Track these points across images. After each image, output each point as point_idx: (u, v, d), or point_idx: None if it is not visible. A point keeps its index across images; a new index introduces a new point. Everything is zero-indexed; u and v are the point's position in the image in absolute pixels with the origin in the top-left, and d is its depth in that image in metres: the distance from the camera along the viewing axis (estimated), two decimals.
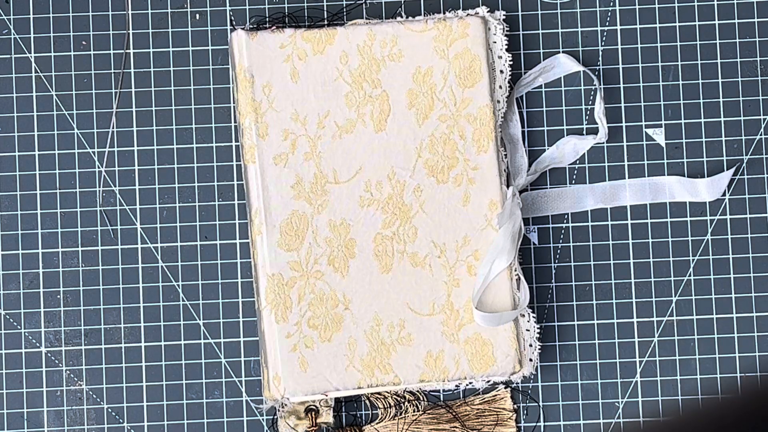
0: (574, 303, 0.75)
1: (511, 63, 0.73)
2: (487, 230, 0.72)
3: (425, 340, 0.71)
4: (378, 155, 0.72)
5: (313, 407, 0.72)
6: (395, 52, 0.72)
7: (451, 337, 0.71)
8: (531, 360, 0.72)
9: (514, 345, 0.72)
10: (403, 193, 0.71)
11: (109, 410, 0.75)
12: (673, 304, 0.75)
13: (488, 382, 0.73)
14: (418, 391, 0.73)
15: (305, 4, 0.76)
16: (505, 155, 0.73)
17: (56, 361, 0.75)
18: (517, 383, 0.74)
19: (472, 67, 0.72)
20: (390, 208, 0.71)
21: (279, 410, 0.72)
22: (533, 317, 0.73)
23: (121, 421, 0.75)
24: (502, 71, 0.73)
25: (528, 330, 0.72)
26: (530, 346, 0.72)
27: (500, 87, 0.73)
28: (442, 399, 0.74)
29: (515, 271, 0.72)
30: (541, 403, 0.75)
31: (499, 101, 0.73)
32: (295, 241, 0.71)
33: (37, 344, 0.75)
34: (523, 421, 0.75)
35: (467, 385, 0.72)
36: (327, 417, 0.73)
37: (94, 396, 0.75)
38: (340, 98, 0.72)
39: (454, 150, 0.72)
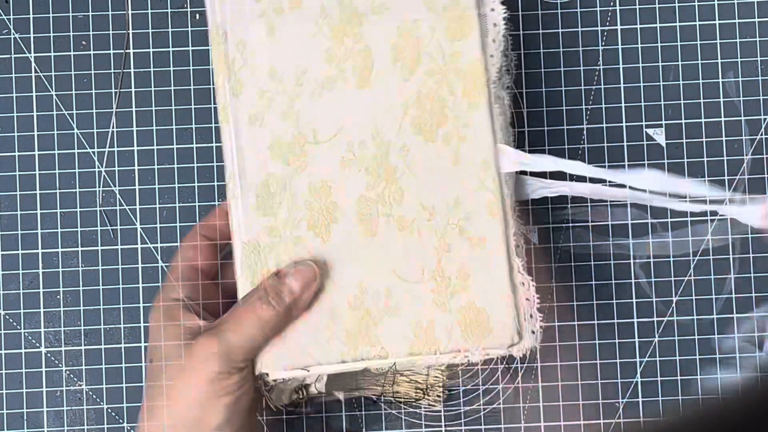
0: (574, 303, 0.75)
1: (505, 16, 0.68)
2: (480, 191, 0.67)
3: (414, 309, 0.67)
4: (361, 113, 0.68)
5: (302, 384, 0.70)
6: (378, 4, 0.68)
7: (442, 305, 0.67)
8: (533, 332, 0.67)
9: (511, 313, 0.66)
10: (389, 153, 0.68)
11: (109, 410, 0.75)
12: (674, 304, 0.75)
13: (486, 355, 0.67)
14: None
15: None
16: (501, 113, 0.69)
17: (56, 362, 0.75)
18: (517, 361, 0.74)
19: (463, 18, 0.68)
20: (374, 169, 0.67)
21: (264, 392, 0.68)
22: (533, 286, 0.67)
23: (121, 421, 0.75)
24: (495, 24, 0.68)
25: (528, 300, 0.67)
26: (531, 317, 0.67)
27: (493, 41, 0.68)
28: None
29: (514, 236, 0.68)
30: (541, 404, 0.75)
31: (492, 55, 0.68)
32: (272, 205, 0.67)
33: (37, 344, 0.75)
34: (523, 422, 0.75)
35: (463, 359, 0.67)
36: (319, 388, 0.70)
37: (94, 396, 0.75)
38: (320, 54, 0.68)
39: (443, 107, 0.68)
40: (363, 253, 0.67)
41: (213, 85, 0.74)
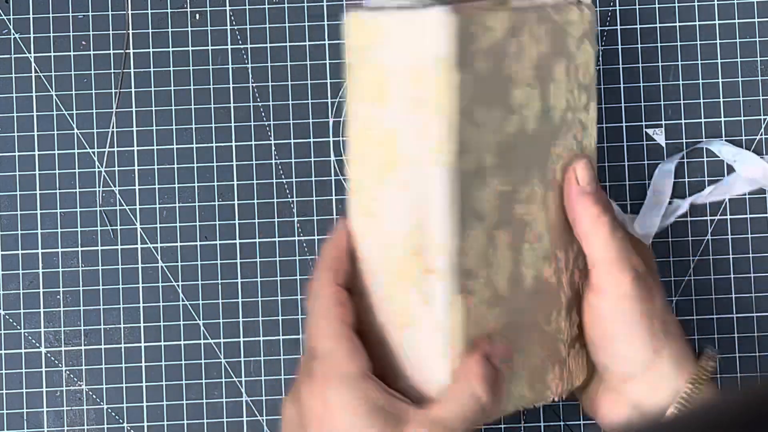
0: None
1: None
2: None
3: (552, 357, 0.66)
4: (537, 150, 0.64)
5: None
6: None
7: (566, 348, 0.66)
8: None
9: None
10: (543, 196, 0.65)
11: (109, 410, 0.75)
12: (674, 304, 0.75)
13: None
14: None
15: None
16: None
17: (56, 362, 0.75)
18: None
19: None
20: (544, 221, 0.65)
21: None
22: None
23: (121, 421, 0.75)
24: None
25: None
26: None
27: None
28: None
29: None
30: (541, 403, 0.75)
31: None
32: (475, 258, 0.61)
33: (37, 344, 0.75)
34: (523, 422, 0.75)
35: (564, 395, 0.67)
36: None
37: (94, 396, 0.75)
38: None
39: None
40: (524, 301, 0.64)
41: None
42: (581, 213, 0.64)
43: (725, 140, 0.76)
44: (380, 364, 0.61)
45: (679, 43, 0.76)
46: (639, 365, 0.64)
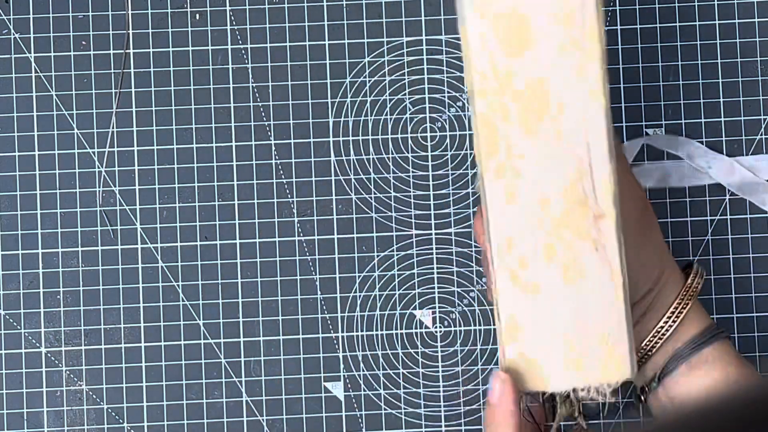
0: None
1: None
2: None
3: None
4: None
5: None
6: None
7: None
8: None
9: None
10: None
11: (109, 410, 0.75)
12: None
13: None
14: None
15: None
16: None
17: (56, 362, 0.75)
18: None
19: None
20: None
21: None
22: None
23: (121, 421, 0.75)
24: None
25: None
26: None
27: None
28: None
29: None
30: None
31: None
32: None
33: (37, 344, 0.75)
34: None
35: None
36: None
37: (94, 396, 0.75)
38: None
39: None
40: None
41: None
42: None
43: (699, 141, 0.76)
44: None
45: (679, 43, 0.76)
46: (643, 292, 0.65)
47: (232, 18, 0.76)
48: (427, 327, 0.76)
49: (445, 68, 0.77)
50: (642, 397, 0.68)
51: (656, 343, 0.65)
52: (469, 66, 0.59)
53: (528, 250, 0.60)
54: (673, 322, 0.65)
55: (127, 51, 0.76)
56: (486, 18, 0.58)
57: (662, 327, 0.65)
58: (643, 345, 0.65)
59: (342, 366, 0.75)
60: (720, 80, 0.76)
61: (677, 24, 0.76)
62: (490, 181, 0.59)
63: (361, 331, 0.75)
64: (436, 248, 0.76)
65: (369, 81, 0.76)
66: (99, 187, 0.76)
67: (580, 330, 0.60)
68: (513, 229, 0.60)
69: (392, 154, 0.76)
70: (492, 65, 0.59)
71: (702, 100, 0.76)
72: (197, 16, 0.76)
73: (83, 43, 0.76)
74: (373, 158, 0.76)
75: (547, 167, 0.59)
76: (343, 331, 0.75)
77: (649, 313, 0.65)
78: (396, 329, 0.75)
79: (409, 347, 0.76)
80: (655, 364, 0.66)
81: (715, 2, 0.76)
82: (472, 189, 0.76)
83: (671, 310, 0.65)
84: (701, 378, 0.65)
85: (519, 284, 0.60)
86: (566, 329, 0.60)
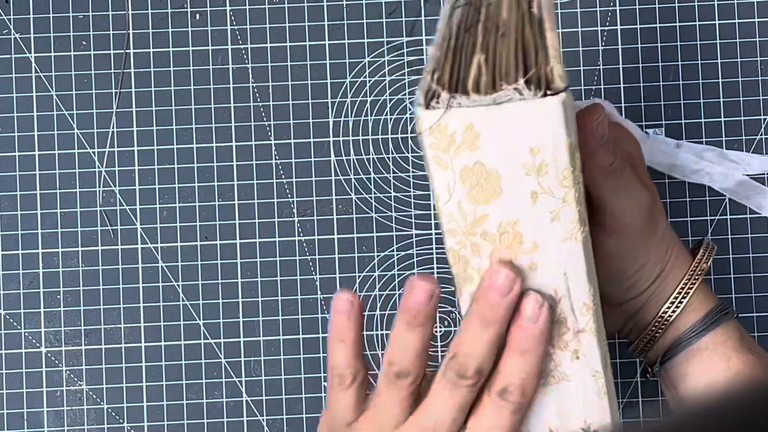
0: None
1: None
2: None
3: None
4: None
5: None
6: None
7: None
8: None
9: None
10: None
11: (109, 410, 0.75)
12: None
13: None
14: None
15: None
16: None
17: (56, 362, 0.75)
18: None
19: None
20: None
21: None
22: None
23: (121, 421, 0.75)
24: None
25: None
26: None
27: None
28: None
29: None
30: None
31: None
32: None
33: (37, 344, 0.75)
34: None
35: None
36: None
37: (94, 396, 0.75)
38: None
39: None
40: None
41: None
42: (595, 165, 0.63)
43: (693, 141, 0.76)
44: None
45: (679, 43, 0.76)
46: (643, 290, 0.65)
47: (232, 18, 0.76)
48: None
49: None
50: (647, 376, 0.68)
51: (662, 326, 0.65)
52: (436, 203, 0.57)
53: None
54: (678, 305, 0.65)
55: (127, 51, 0.76)
56: (450, 171, 0.56)
57: (667, 309, 0.65)
58: (650, 329, 0.65)
59: None
60: (720, 80, 0.76)
61: (677, 24, 0.76)
62: (466, 303, 0.58)
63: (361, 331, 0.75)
64: (436, 248, 0.76)
65: (369, 81, 0.76)
66: (99, 187, 0.76)
67: (564, 420, 0.61)
68: None
69: (392, 154, 0.76)
70: (460, 210, 0.57)
71: (702, 100, 0.76)
72: (197, 16, 0.76)
73: (83, 43, 0.76)
74: (373, 158, 0.76)
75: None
76: None
77: (657, 297, 0.65)
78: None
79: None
80: (660, 346, 0.66)
81: (715, 2, 0.76)
82: None
83: (675, 293, 0.65)
84: (702, 364, 0.65)
85: None
86: (550, 418, 0.61)
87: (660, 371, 0.67)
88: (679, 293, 0.65)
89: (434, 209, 0.58)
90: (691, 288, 0.65)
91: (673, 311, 0.65)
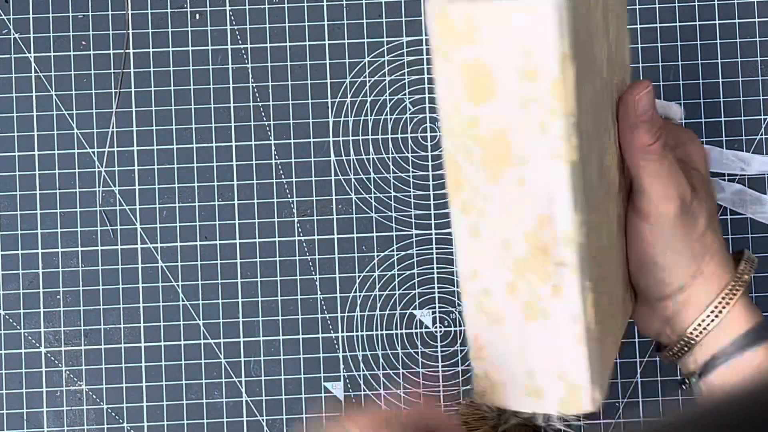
0: None
1: None
2: None
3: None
4: (610, 96, 0.61)
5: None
6: None
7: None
8: None
9: None
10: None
11: (109, 410, 0.75)
12: None
13: None
14: None
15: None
16: None
17: (56, 362, 0.75)
18: None
19: None
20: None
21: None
22: None
23: (120, 421, 0.75)
24: None
25: None
26: None
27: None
28: None
29: None
30: None
31: None
32: (596, 242, 0.60)
33: (37, 344, 0.75)
34: None
35: None
36: None
37: (94, 396, 0.75)
38: None
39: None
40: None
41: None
42: (633, 143, 0.63)
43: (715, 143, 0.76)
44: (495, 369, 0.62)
45: (679, 43, 0.76)
46: (675, 288, 0.64)
47: (232, 18, 0.76)
48: (427, 327, 0.76)
49: None
50: (683, 387, 0.67)
51: (697, 336, 0.64)
52: (438, 102, 0.59)
53: (491, 284, 0.60)
54: (716, 316, 0.63)
55: (127, 51, 0.76)
56: (451, 63, 0.57)
57: (703, 321, 0.63)
58: (686, 335, 0.64)
59: (342, 366, 0.75)
60: (720, 80, 0.76)
61: (677, 24, 0.76)
62: (456, 215, 0.59)
63: (361, 331, 0.75)
64: (436, 248, 0.76)
65: (369, 81, 0.76)
66: (99, 187, 0.76)
67: (541, 363, 0.60)
68: (477, 262, 0.60)
69: (392, 154, 0.76)
70: (456, 109, 0.57)
71: (702, 100, 0.76)
72: (197, 16, 0.76)
73: (83, 43, 0.76)
74: (373, 158, 0.76)
75: (509, 211, 0.58)
76: (343, 331, 0.75)
77: (693, 303, 0.64)
78: (396, 329, 0.75)
79: (409, 347, 0.76)
80: (697, 357, 0.64)
81: (715, 2, 0.76)
82: None
83: (716, 303, 0.64)
84: (743, 380, 0.63)
85: (483, 311, 0.60)
86: (527, 360, 0.60)
87: (697, 384, 0.65)
88: (720, 303, 0.64)
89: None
90: (731, 299, 0.63)
91: (712, 320, 0.63)
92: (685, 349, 0.64)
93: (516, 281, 0.60)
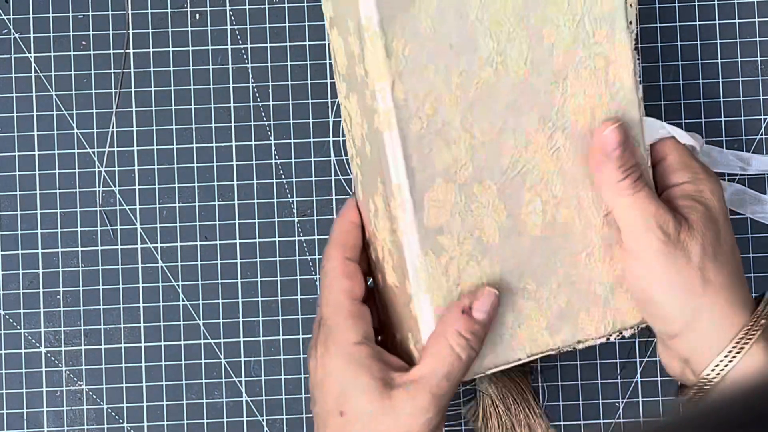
0: None
1: None
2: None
3: (583, 300, 0.65)
4: (523, 102, 0.63)
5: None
6: None
7: (607, 288, 0.65)
8: None
9: None
10: (549, 141, 0.63)
11: (109, 410, 0.75)
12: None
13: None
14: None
15: None
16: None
17: (56, 362, 0.75)
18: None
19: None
20: (538, 163, 0.63)
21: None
22: None
23: (120, 421, 0.75)
24: (631, 5, 0.65)
25: None
26: None
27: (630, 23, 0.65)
28: None
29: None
30: (541, 403, 0.75)
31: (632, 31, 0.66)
32: (443, 215, 0.62)
33: (37, 344, 0.75)
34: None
35: (617, 335, 0.66)
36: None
37: (94, 396, 0.75)
38: (480, 42, 0.62)
39: (597, 86, 0.64)
40: (529, 252, 0.64)
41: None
42: (602, 179, 0.63)
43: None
44: (401, 331, 0.65)
45: (679, 43, 0.76)
46: (679, 325, 0.63)
47: (232, 18, 0.76)
48: None
49: None
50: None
51: (714, 378, 0.62)
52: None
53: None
54: (730, 360, 0.62)
55: (127, 51, 0.76)
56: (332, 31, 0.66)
57: (719, 364, 0.62)
58: (702, 377, 0.62)
59: None
60: (720, 80, 0.76)
61: (677, 24, 0.76)
62: (357, 188, 0.69)
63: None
64: None
65: None
66: (99, 187, 0.76)
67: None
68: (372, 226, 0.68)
69: None
70: (339, 83, 0.67)
71: (702, 100, 0.76)
72: (197, 16, 0.76)
73: (83, 43, 0.76)
74: None
75: (371, 179, 0.65)
76: None
77: (703, 347, 0.62)
78: None
79: None
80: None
81: (715, 2, 0.76)
82: None
83: (729, 348, 0.62)
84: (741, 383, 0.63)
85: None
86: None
87: None
88: (734, 346, 0.62)
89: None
90: (747, 342, 0.62)
91: (726, 365, 0.62)
92: (704, 390, 0.63)
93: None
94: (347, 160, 0.76)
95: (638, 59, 0.66)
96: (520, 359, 0.64)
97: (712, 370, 0.62)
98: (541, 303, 0.64)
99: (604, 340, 0.66)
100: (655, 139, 0.66)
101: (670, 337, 0.64)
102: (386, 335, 0.68)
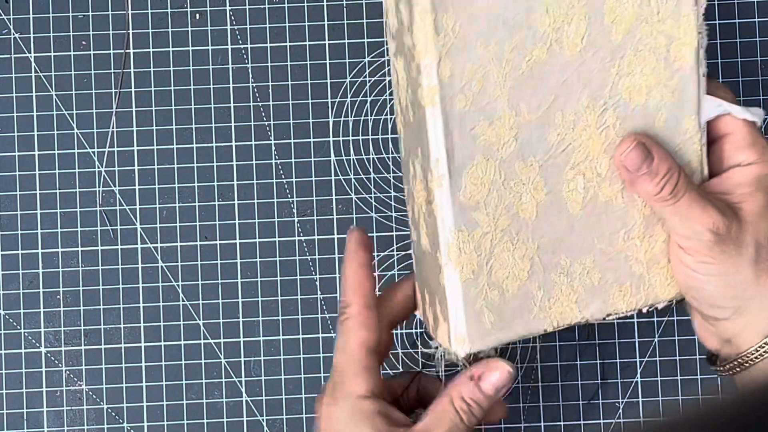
0: None
1: None
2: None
3: (617, 276, 0.64)
4: (575, 80, 0.62)
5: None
6: None
7: (644, 265, 0.64)
8: None
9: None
10: (599, 119, 0.62)
11: (109, 410, 0.75)
12: (673, 304, 0.75)
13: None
14: None
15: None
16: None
17: (56, 362, 0.75)
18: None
19: None
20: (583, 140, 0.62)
21: (442, 357, 0.66)
22: None
23: (120, 421, 0.75)
24: None
25: None
26: None
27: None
28: None
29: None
30: (541, 403, 0.75)
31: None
32: (480, 191, 0.61)
33: (37, 344, 0.75)
34: (523, 422, 0.75)
35: (648, 308, 0.66)
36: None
37: (94, 396, 0.75)
38: (533, 21, 0.61)
39: (653, 68, 0.63)
40: (567, 228, 0.63)
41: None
42: (638, 193, 0.63)
43: None
44: (430, 289, 0.65)
45: None
46: (728, 312, 0.63)
47: (232, 18, 0.76)
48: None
49: None
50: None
51: (756, 358, 0.62)
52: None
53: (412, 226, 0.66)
54: None
55: (127, 51, 0.76)
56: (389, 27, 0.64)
57: (763, 345, 0.62)
58: (743, 356, 0.63)
59: None
60: (720, 80, 0.76)
61: None
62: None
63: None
64: None
65: (369, 81, 0.76)
66: (99, 187, 0.76)
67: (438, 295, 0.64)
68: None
69: (392, 154, 0.76)
70: (392, 61, 0.64)
71: None
72: (197, 16, 0.76)
73: (83, 43, 0.76)
74: (373, 158, 0.76)
75: (415, 154, 0.64)
76: None
77: (749, 330, 0.62)
78: (396, 329, 0.75)
79: (409, 347, 0.76)
80: (755, 377, 0.63)
81: (715, 2, 0.76)
82: None
83: None
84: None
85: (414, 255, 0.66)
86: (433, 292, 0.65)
87: None
88: None
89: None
90: None
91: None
92: (741, 367, 0.63)
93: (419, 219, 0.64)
94: (347, 160, 0.76)
95: (707, 31, 0.63)
96: (546, 330, 0.63)
97: (756, 349, 0.62)
98: (573, 278, 0.63)
99: (633, 313, 0.65)
100: (713, 115, 0.64)
101: (716, 320, 0.64)
102: (420, 293, 0.67)
